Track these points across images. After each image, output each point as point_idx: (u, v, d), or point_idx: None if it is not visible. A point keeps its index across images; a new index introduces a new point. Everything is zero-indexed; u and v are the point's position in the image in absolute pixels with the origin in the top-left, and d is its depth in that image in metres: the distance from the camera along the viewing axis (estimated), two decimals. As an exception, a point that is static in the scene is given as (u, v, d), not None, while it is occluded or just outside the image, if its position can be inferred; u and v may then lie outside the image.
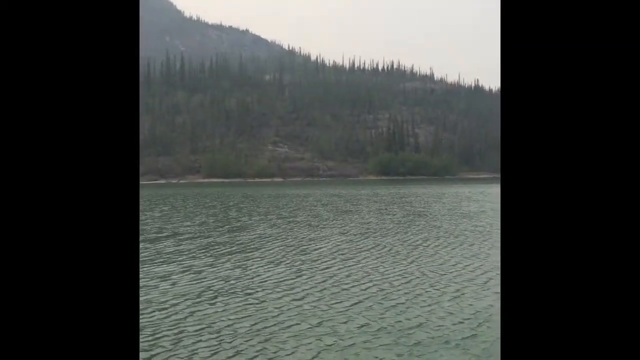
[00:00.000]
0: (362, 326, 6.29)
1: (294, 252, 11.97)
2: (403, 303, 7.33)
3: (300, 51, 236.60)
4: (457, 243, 13.05)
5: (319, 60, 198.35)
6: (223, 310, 7.00)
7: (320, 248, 12.50)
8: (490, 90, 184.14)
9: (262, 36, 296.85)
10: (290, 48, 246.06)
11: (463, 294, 7.85)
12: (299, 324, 6.41)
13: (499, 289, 8.02)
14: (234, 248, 12.72)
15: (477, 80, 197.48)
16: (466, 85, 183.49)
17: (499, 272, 9.32)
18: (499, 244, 12.70)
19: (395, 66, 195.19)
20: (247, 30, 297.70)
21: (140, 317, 6.48)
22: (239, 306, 7.23)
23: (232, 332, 6.11)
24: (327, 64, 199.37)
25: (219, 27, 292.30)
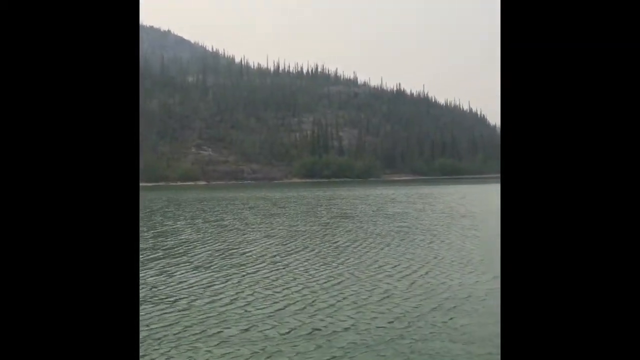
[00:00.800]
0: (290, 330, 6.23)
1: (221, 256, 11.75)
2: (332, 305, 7.34)
3: (224, 53, 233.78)
4: (383, 244, 13.25)
5: (243, 62, 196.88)
6: (147, 317, 6.74)
7: (248, 252, 12.34)
8: (412, 94, 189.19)
9: (185, 37, 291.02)
10: (214, 50, 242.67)
11: (391, 294, 7.94)
12: (228, 329, 6.26)
13: (424, 289, 8.19)
14: (159, 253, 12.33)
15: (399, 84, 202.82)
16: (388, 89, 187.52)
17: (426, 271, 9.54)
18: (424, 244, 13.02)
19: (319, 70, 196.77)
20: (169, 31, 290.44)
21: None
22: (165, 312, 6.98)
23: (157, 339, 5.88)
24: (252, 67, 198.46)
25: (139, 27, 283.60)
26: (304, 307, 7.20)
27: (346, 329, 6.25)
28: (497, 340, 5.72)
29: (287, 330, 6.20)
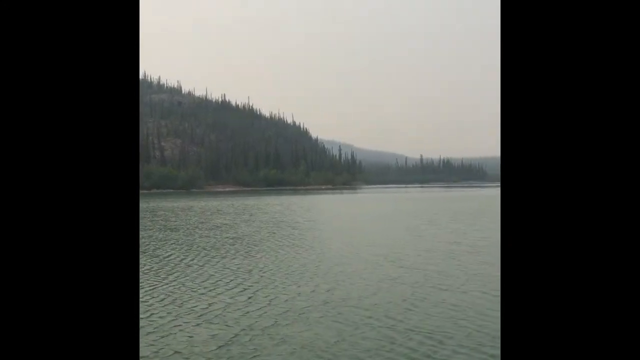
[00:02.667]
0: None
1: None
2: (163, 325, 7.15)
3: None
4: (212, 256, 13.22)
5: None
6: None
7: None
8: (237, 105, 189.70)
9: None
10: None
11: (219, 307, 7.94)
12: None
13: (259, 300, 8.36)
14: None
15: (224, 95, 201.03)
16: (214, 100, 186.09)
17: (258, 283, 9.62)
18: (250, 255, 13.19)
19: (141, 76, 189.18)
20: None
21: None
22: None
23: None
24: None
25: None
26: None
27: (183, 349, 6.11)
28: (330, 348, 6.05)
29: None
